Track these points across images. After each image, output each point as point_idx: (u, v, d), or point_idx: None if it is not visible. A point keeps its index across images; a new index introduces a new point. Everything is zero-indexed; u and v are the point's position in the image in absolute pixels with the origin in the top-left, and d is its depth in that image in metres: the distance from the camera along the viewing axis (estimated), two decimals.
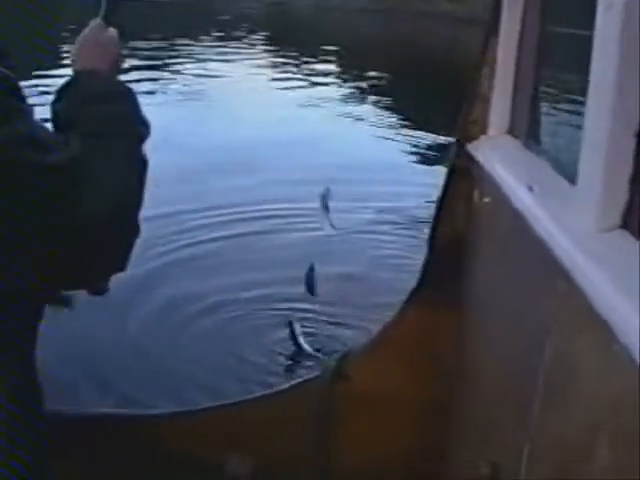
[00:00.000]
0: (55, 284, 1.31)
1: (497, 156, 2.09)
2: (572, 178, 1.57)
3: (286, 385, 2.73)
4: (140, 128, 1.41)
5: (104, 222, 1.23)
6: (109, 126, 1.35)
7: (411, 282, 2.45)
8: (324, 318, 5.51)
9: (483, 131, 2.25)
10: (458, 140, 2.30)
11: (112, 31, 1.61)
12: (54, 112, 1.39)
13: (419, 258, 2.48)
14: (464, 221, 2.29)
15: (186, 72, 16.69)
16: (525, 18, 2.18)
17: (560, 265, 1.41)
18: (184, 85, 15.18)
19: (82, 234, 1.20)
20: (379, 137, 11.72)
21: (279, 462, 2.43)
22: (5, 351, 1.24)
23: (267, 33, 26.98)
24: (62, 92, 1.41)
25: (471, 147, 2.24)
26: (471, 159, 2.23)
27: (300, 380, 2.68)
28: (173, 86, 14.98)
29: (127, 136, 1.37)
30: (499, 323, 1.98)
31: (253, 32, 26.33)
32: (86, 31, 1.59)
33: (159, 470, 2.28)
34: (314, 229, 5.48)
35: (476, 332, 2.24)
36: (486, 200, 2.11)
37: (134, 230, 1.31)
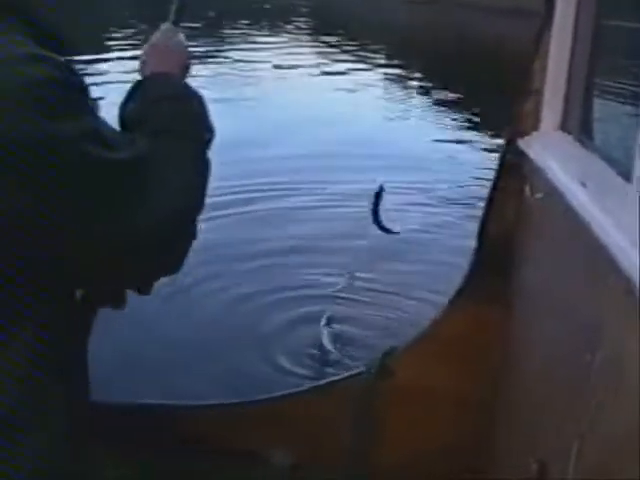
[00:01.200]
0: (109, 282, 1.32)
1: (549, 152, 2.07)
2: (627, 175, 1.55)
3: (330, 380, 2.74)
4: (206, 132, 1.42)
5: (166, 222, 1.23)
6: (177, 127, 1.35)
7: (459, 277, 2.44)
8: None
9: (535, 126, 2.23)
10: (509, 135, 2.28)
11: (182, 37, 1.63)
12: (122, 113, 1.40)
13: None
14: (514, 217, 2.27)
15: (226, 59, 16.65)
16: (579, 12, 2.15)
17: (614, 262, 1.39)
18: (223, 71, 15.11)
19: (144, 233, 1.20)
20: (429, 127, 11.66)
21: (321, 456, 2.43)
22: (62, 351, 1.24)
23: (308, 22, 27.01)
24: (131, 94, 1.43)
25: (522, 142, 2.22)
26: (522, 154, 2.21)
27: (345, 375, 2.67)
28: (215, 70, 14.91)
29: (194, 138, 1.38)
30: (549, 320, 1.96)
31: (293, 21, 26.43)
32: (156, 35, 1.62)
33: (201, 462, 2.30)
34: None
35: (525, 328, 2.22)
36: (538, 196, 2.09)
37: (192, 233, 1.32)
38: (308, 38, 22.93)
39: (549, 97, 2.20)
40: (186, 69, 1.59)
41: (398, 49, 21.23)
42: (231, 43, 19.76)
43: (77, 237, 1.15)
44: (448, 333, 2.45)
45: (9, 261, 1.12)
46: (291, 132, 10.13)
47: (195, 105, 1.44)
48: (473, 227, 2.32)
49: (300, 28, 25.18)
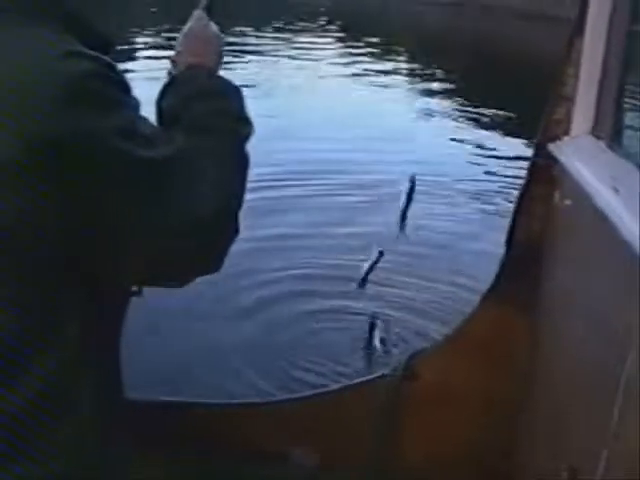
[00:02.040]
0: (142, 278, 1.30)
1: (580, 157, 2.06)
2: None
3: (355, 381, 2.74)
4: (245, 127, 1.40)
5: (204, 219, 1.21)
6: (214, 122, 1.34)
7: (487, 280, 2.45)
8: None
9: (566, 131, 2.23)
10: (539, 139, 2.28)
11: (214, 25, 1.59)
12: (159, 108, 1.39)
13: None
14: (543, 221, 2.27)
15: (251, 59, 16.58)
16: (612, 18, 2.15)
17: None
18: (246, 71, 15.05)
19: (179, 231, 1.19)
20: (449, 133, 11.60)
21: (344, 456, 2.44)
22: (90, 347, 1.24)
23: (334, 23, 26.97)
24: (167, 88, 1.41)
25: (553, 147, 2.22)
26: (552, 159, 2.20)
27: (369, 377, 2.68)
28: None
29: (232, 133, 1.36)
30: (578, 325, 1.96)
31: (318, 21, 26.45)
32: (189, 25, 1.59)
33: (226, 460, 2.31)
34: None
35: (553, 333, 2.22)
36: (567, 201, 2.09)
37: (233, 231, 1.29)
38: (327, 39, 22.89)
39: (580, 102, 2.20)
40: (220, 58, 1.55)
41: (420, 51, 21.24)
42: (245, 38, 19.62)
43: (110, 235, 1.15)
44: (475, 336, 2.46)
45: (46, 258, 1.12)
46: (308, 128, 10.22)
47: (232, 99, 1.42)
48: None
49: (317, 28, 25.19)
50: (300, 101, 12.64)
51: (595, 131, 2.18)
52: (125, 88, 1.20)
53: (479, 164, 9.30)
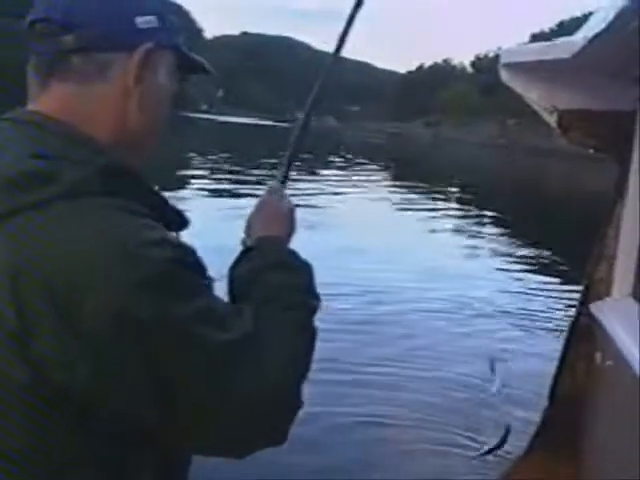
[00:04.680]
0: (202, 450, 1.26)
1: (620, 320, 2.13)
2: None
3: None
4: (313, 300, 1.41)
5: (271, 393, 1.22)
6: (285, 296, 1.36)
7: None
8: None
9: (607, 290, 2.30)
10: (582, 298, 2.35)
11: (289, 198, 1.61)
12: (231, 278, 1.42)
13: None
14: (585, 379, 2.33)
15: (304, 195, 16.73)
16: None
17: None
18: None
19: (243, 408, 1.20)
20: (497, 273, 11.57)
21: None
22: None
23: (387, 162, 27.25)
24: (240, 259, 1.44)
25: (594, 307, 2.29)
26: (594, 319, 2.27)
27: None
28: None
29: (301, 308, 1.37)
30: (617, 478, 2.00)
31: (374, 160, 26.72)
32: (264, 197, 1.61)
33: None
34: None
35: None
36: (608, 363, 2.15)
37: (297, 405, 1.28)
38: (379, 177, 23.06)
39: (621, 265, 2.27)
40: (292, 231, 1.56)
41: (468, 190, 21.47)
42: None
43: (174, 410, 1.16)
44: None
45: (121, 425, 1.19)
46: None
47: (302, 273, 1.44)
48: None
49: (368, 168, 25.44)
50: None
51: (636, 294, 2.25)
52: (202, 271, 1.23)
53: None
